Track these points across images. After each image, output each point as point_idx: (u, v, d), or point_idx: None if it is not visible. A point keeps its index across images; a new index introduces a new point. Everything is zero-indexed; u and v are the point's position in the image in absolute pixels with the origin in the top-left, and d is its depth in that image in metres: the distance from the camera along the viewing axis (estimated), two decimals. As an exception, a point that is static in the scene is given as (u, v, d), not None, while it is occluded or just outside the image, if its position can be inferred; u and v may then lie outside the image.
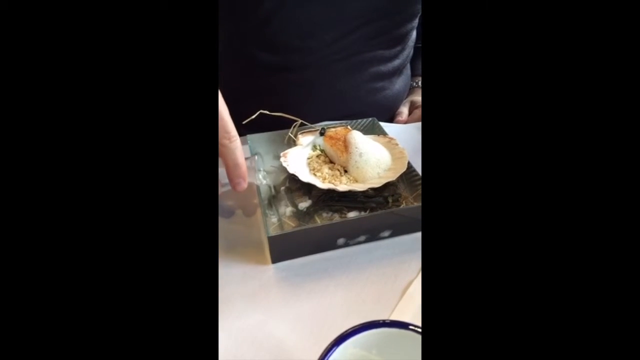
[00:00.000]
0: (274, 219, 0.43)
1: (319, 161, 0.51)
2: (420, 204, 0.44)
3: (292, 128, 0.57)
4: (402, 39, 0.68)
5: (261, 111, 0.52)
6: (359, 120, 0.61)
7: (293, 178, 0.47)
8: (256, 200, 0.51)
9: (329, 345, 0.24)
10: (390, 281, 0.40)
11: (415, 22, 0.69)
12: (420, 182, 0.47)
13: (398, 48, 0.69)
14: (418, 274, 0.41)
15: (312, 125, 0.58)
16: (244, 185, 0.37)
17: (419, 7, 0.66)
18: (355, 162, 0.48)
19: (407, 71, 0.77)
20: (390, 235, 0.45)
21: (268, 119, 0.53)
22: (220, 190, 0.39)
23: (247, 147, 0.55)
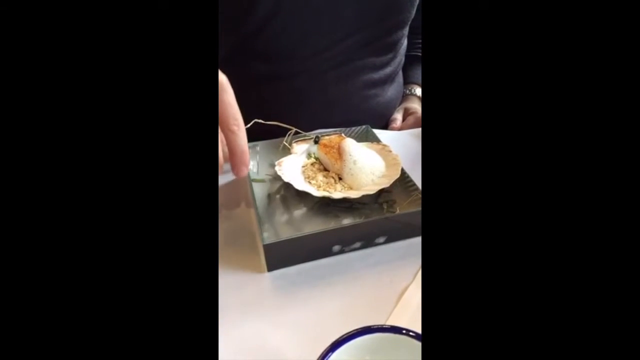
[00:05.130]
0: (269, 227, 0.43)
1: (314, 169, 0.51)
2: (414, 209, 0.44)
3: (286, 137, 0.58)
4: (393, 46, 0.69)
5: (256, 120, 0.53)
6: (353, 128, 0.62)
7: (288, 186, 0.48)
8: (251, 209, 0.51)
9: (323, 351, 0.25)
10: (385, 287, 0.40)
11: (406, 30, 0.70)
12: (414, 188, 0.48)
13: (389, 55, 0.69)
14: (413, 279, 0.41)
15: (307, 134, 0.59)
16: (246, 172, 0.39)
17: (408, 15, 0.67)
18: (350, 169, 0.48)
19: (399, 79, 0.78)
20: (385, 242, 0.45)
21: (262, 127, 0.53)
22: (220, 175, 0.40)
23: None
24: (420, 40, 0.84)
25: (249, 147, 0.56)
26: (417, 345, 0.26)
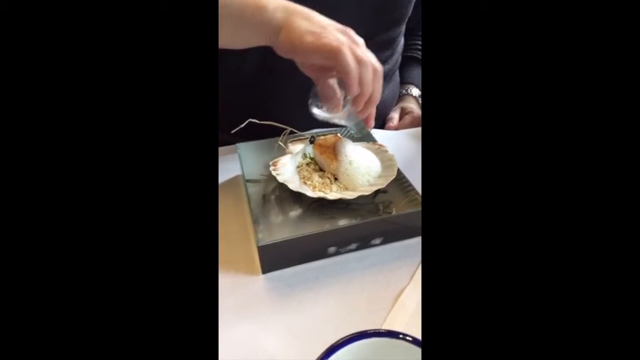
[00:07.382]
0: (264, 228, 0.43)
1: (309, 169, 0.51)
2: (411, 210, 0.44)
3: (281, 136, 0.57)
4: (391, 43, 0.69)
5: (250, 119, 0.52)
6: (349, 128, 0.61)
7: (283, 187, 0.47)
8: (246, 210, 0.50)
9: (318, 357, 0.24)
10: (381, 289, 0.40)
11: (403, 27, 0.70)
12: (410, 188, 0.47)
13: (387, 53, 0.69)
14: (410, 281, 0.41)
15: (302, 133, 0.58)
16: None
17: (405, 11, 0.67)
18: (345, 169, 0.48)
19: (396, 78, 0.78)
20: (381, 243, 0.45)
21: (257, 127, 0.53)
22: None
23: (236, 155, 0.55)
24: (417, 42, 0.83)
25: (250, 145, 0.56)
26: (414, 349, 0.25)
